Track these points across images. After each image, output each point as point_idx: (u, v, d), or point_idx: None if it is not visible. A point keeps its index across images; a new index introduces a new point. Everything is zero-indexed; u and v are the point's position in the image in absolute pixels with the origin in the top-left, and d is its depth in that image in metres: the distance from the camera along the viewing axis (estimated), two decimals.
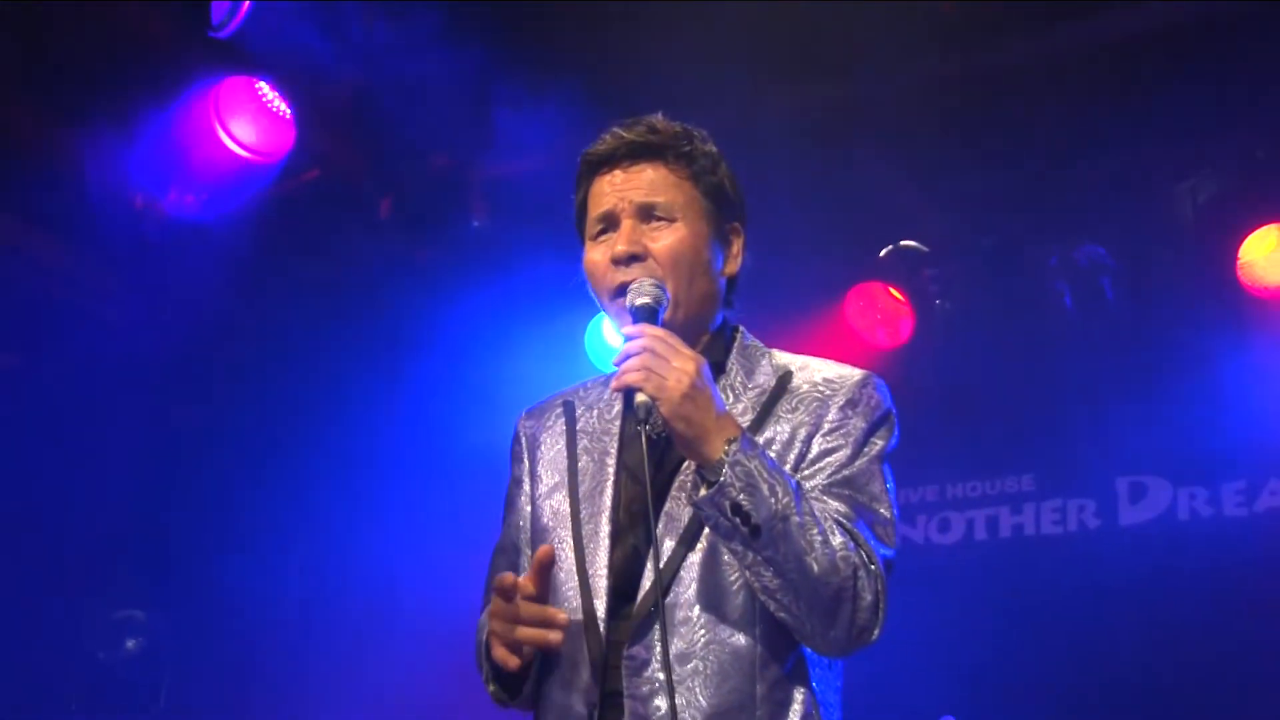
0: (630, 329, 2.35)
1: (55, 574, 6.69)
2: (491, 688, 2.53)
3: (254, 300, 5.89)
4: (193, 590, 6.87)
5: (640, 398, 2.27)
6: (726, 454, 2.25)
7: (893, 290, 6.36)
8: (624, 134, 2.56)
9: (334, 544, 6.54)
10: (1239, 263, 5.73)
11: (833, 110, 5.76)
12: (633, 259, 2.48)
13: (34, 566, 6.65)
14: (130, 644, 7.02)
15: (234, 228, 5.23)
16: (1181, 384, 5.91)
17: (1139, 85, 5.49)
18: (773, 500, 2.24)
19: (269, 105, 4.70)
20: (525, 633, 2.30)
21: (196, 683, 6.86)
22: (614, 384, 2.30)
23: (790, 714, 2.36)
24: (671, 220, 2.51)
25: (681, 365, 2.27)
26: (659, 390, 2.25)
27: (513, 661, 2.33)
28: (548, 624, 2.30)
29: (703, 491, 2.27)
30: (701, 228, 2.54)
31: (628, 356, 2.28)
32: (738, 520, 2.24)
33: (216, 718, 6.78)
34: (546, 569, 2.32)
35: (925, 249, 6.28)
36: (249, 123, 4.69)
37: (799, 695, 2.38)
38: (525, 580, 2.32)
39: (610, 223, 2.54)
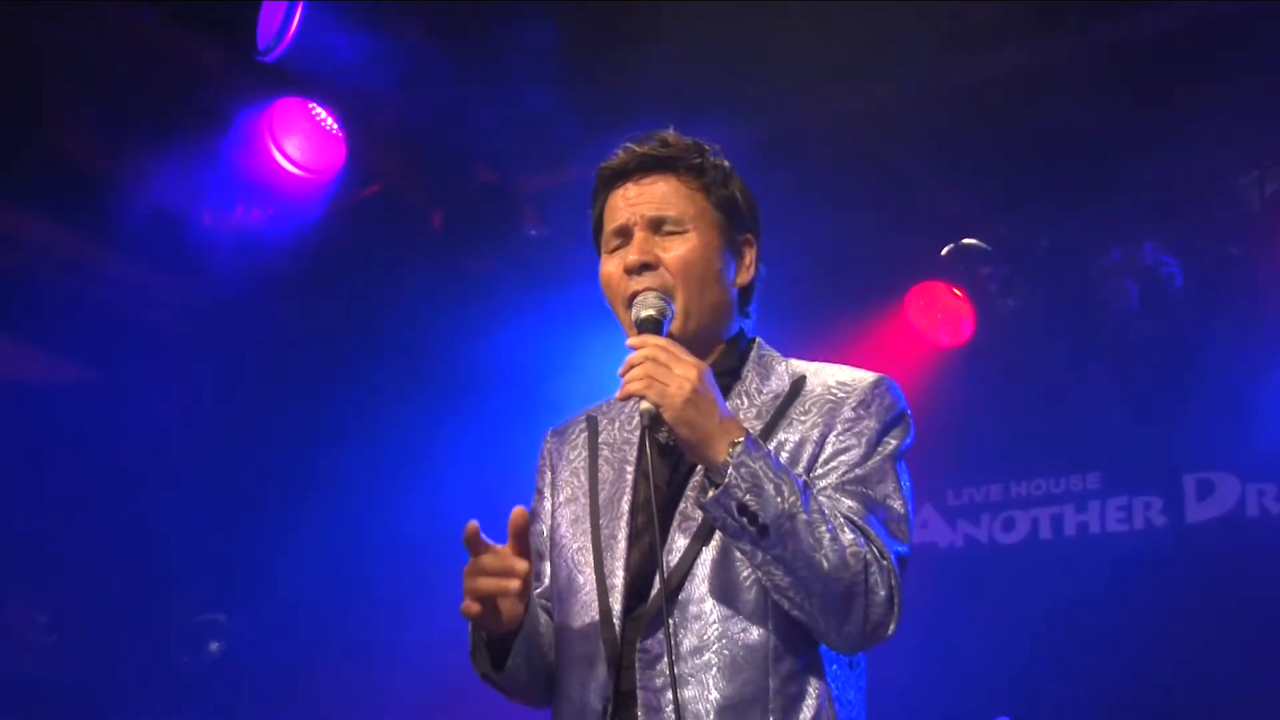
0: (634, 340, 2.41)
1: (138, 580, 6.89)
2: (476, 659, 2.59)
3: (315, 311, 6.03)
4: (272, 594, 7.03)
5: (644, 405, 2.33)
6: (731, 456, 2.29)
7: (954, 289, 6.34)
8: (636, 148, 2.61)
9: (404, 548, 6.65)
10: None
11: (890, 112, 5.73)
12: (644, 268, 2.54)
13: (117, 573, 6.86)
14: (213, 647, 7.22)
15: (295, 242, 5.36)
16: (1249, 378, 5.82)
17: (1202, 76, 5.40)
18: (779, 499, 2.28)
19: (320, 124, 4.83)
20: (487, 582, 2.38)
21: (277, 684, 7.02)
22: (619, 394, 2.36)
23: (803, 708, 2.39)
24: (683, 231, 2.57)
25: (684, 372, 2.32)
26: (661, 397, 2.31)
27: (474, 609, 2.40)
28: (508, 574, 2.37)
29: (710, 493, 2.31)
30: (712, 238, 2.60)
31: (632, 367, 2.34)
32: (744, 520, 2.28)
33: (296, 718, 6.93)
34: (518, 530, 2.38)
35: (986, 247, 6.24)
36: (301, 141, 4.81)
37: (813, 690, 2.41)
38: (503, 547, 2.39)
39: (624, 236, 2.59)
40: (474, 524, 2.38)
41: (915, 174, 5.90)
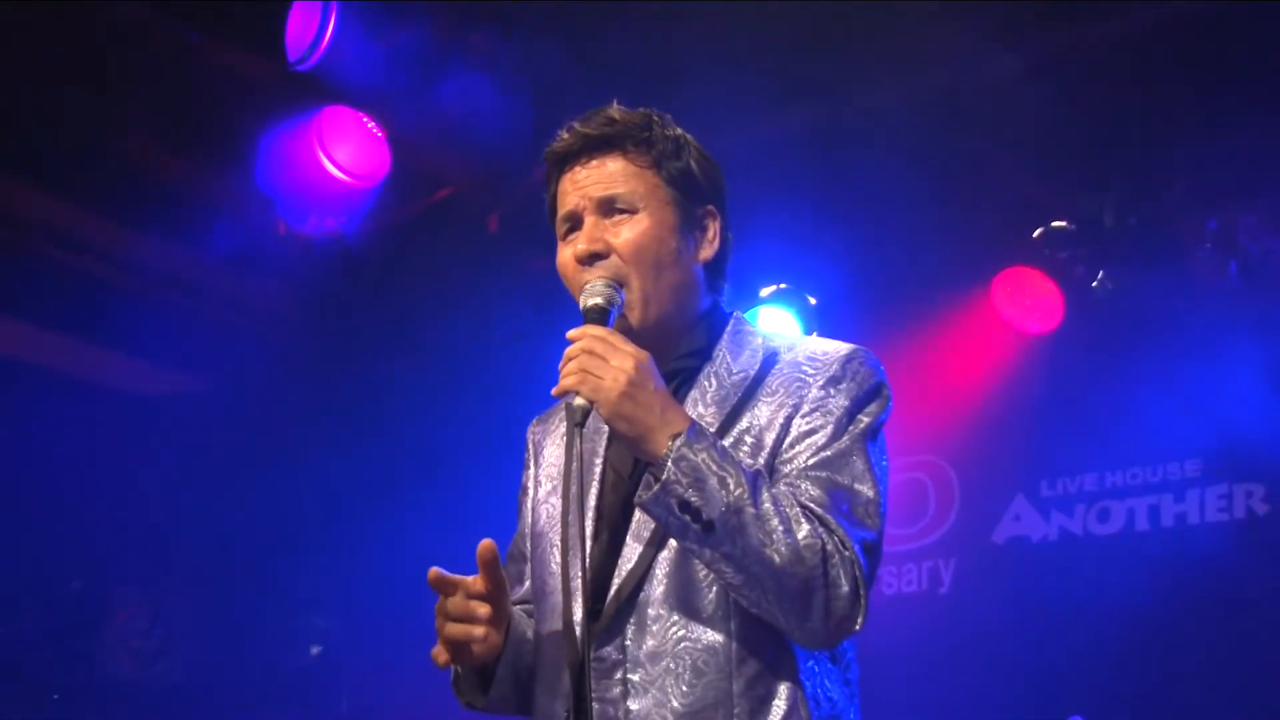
0: (573, 332, 2.30)
1: (239, 583, 7.06)
2: (459, 689, 2.51)
3: (395, 315, 6.10)
4: (372, 597, 7.13)
5: (578, 401, 2.23)
6: (670, 449, 2.18)
7: (1041, 274, 6.14)
8: (581, 128, 2.50)
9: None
10: None
11: (954, 95, 5.56)
12: (595, 257, 2.43)
13: (218, 577, 7.04)
14: (313, 650, 7.35)
15: (362, 248, 5.43)
16: None
17: None
18: (723, 494, 2.16)
19: (366, 129, 4.86)
20: (452, 629, 2.31)
21: (376, 687, 7.12)
22: (554, 390, 2.25)
23: (772, 710, 2.27)
24: (633, 211, 2.45)
25: (619, 363, 2.21)
26: (595, 391, 2.21)
27: (441, 658, 2.34)
28: (472, 619, 2.30)
29: (654, 490, 2.19)
30: (666, 216, 2.47)
31: (569, 361, 2.24)
32: (688, 518, 2.17)
33: None
34: (488, 565, 2.30)
35: (1072, 227, 6.03)
36: (350, 148, 4.86)
37: (783, 690, 2.29)
38: (475, 579, 2.31)
39: (575, 221, 2.49)
40: (434, 570, 2.31)
41: (989, 158, 5.74)
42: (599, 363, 2.22)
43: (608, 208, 2.46)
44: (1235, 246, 5.87)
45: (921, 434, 6.39)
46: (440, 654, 2.34)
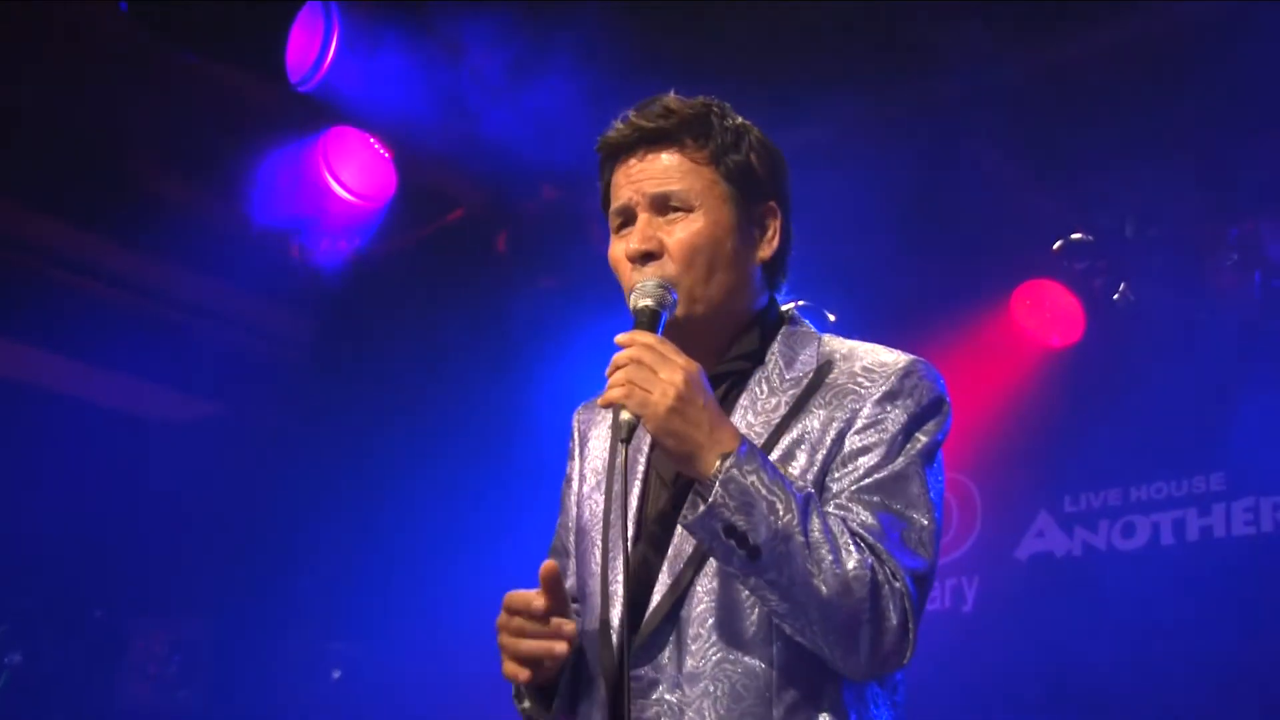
0: (621, 338, 2.18)
1: (260, 608, 7.04)
2: (523, 705, 2.41)
3: (409, 335, 6.10)
4: (395, 621, 7.11)
5: (624, 416, 2.12)
6: (719, 470, 2.09)
7: (1062, 287, 6.08)
8: (636, 119, 2.39)
9: (511, 569, 6.64)
10: None
11: (984, 101, 5.50)
12: (647, 257, 2.33)
13: (238, 602, 7.02)
14: (335, 674, 7.32)
15: (373, 269, 5.43)
16: None
17: None
18: (772, 519, 2.07)
19: (372, 150, 4.85)
20: (529, 645, 2.21)
21: (399, 712, 7.08)
22: (599, 400, 2.16)
23: None
24: (689, 210, 2.35)
25: (669, 376, 2.11)
26: (642, 406, 2.10)
27: (523, 674, 2.24)
28: (555, 636, 2.20)
29: (696, 512, 2.11)
30: (723, 214, 2.37)
31: (617, 369, 2.14)
32: (733, 542, 2.08)
33: None
34: (550, 586, 2.20)
35: (1092, 239, 5.97)
36: (356, 169, 4.85)
37: (825, 719, 2.21)
38: (535, 594, 2.21)
39: (628, 216, 2.38)
40: (517, 594, 2.21)
41: (1007, 169, 5.69)
42: (647, 374, 2.11)
43: (662, 205, 2.36)
44: (1259, 254, 5.79)
45: (943, 450, 6.31)
46: (520, 672, 2.24)
